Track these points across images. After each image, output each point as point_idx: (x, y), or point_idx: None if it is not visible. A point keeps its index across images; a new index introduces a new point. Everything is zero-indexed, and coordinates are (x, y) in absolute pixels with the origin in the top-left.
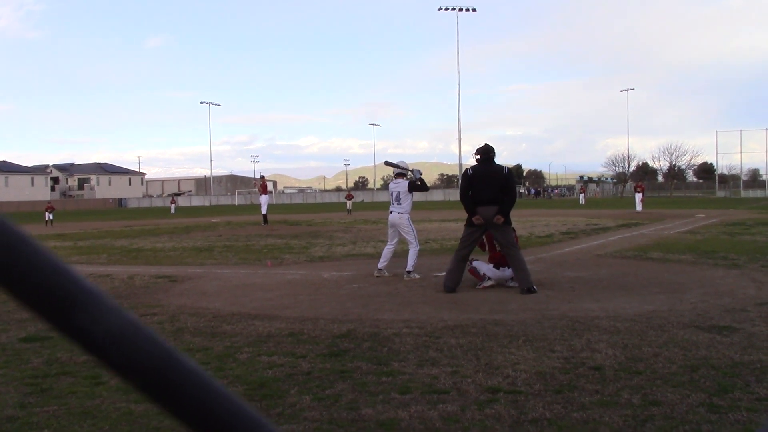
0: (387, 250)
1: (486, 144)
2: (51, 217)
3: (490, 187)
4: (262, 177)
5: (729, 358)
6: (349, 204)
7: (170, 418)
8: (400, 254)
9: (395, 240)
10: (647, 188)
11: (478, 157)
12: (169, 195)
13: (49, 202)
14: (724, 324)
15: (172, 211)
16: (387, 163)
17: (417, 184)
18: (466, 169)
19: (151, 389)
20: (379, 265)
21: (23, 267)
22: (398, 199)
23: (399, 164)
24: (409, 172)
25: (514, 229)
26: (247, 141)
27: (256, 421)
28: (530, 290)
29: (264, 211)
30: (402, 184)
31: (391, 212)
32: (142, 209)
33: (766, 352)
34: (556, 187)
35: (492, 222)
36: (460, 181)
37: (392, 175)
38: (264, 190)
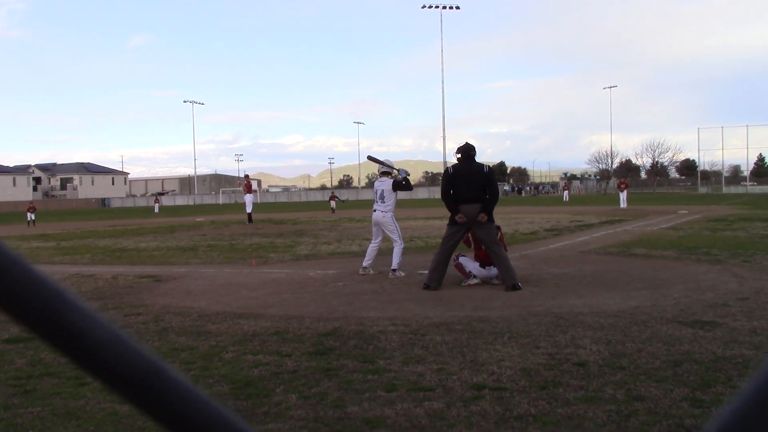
0: (371, 248)
1: (467, 143)
2: (33, 218)
3: (471, 186)
4: (247, 176)
5: (711, 353)
6: (332, 203)
7: (156, 426)
8: (385, 252)
9: (379, 238)
10: (630, 185)
11: (459, 155)
12: (152, 194)
13: (31, 202)
14: (706, 319)
15: (156, 210)
16: (370, 158)
17: (401, 184)
18: (447, 168)
19: (137, 400)
20: (364, 263)
21: (4, 280)
22: (382, 198)
23: (385, 162)
24: (395, 171)
25: (499, 227)
26: (231, 140)
27: (239, 429)
28: (515, 287)
29: (249, 210)
30: (387, 183)
31: (374, 210)
32: (125, 209)
33: (748, 346)
34: (541, 184)
35: (475, 220)
36: (441, 180)
37: (377, 173)
38: (249, 189)
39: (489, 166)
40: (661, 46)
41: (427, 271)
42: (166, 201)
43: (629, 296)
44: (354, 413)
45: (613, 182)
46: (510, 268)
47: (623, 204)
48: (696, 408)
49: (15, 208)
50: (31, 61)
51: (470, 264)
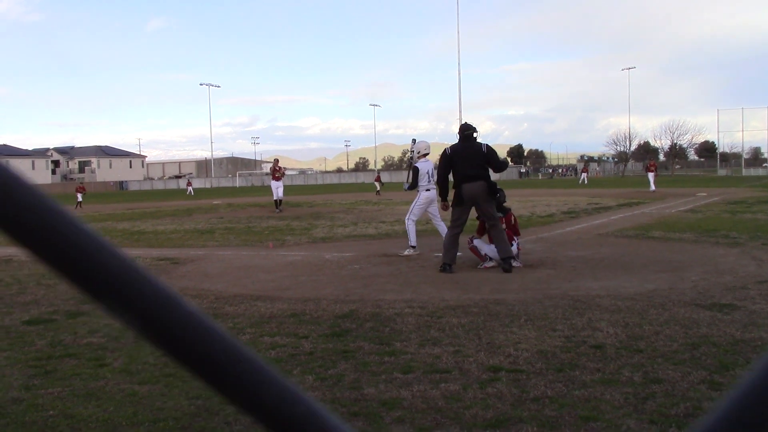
0: (415, 228)
1: (466, 122)
2: (80, 198)
3: (472, 164)
4: (276, 160)
5: (730, 336)
6: (377, 185)
7: (174, 363)
8: (394, 235)
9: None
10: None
11: (459, 135)
12: (179, 176)
13: (81, 183)
14: (725, 302)
15: (191, 193)
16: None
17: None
18: (445, 149)
19: (154, 333)
20: (414, 243)
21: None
22: (431, 178)
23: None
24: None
25: (509, 209)
26: (248, 122)
27: (256, 362)
28: (509, 264)
29: (277, 196)
30: (430, 163)
31: (428, 190)
32: (143, 192)
33: (767, 329)
34: (560, 166)
35: (478, 198)
36: (439, 161)
37: (415, 155)
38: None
39: (487, 144)
40: (681, 27)
41: (441, 254)
42: (182, 185)
43: (647, 279)
44: (370, 395)
45: (631, 165)
46: (506, 243)
47: (653, 186)
48: (714, 391)
49: None
50: (50, 46)
51: (485, 247)
